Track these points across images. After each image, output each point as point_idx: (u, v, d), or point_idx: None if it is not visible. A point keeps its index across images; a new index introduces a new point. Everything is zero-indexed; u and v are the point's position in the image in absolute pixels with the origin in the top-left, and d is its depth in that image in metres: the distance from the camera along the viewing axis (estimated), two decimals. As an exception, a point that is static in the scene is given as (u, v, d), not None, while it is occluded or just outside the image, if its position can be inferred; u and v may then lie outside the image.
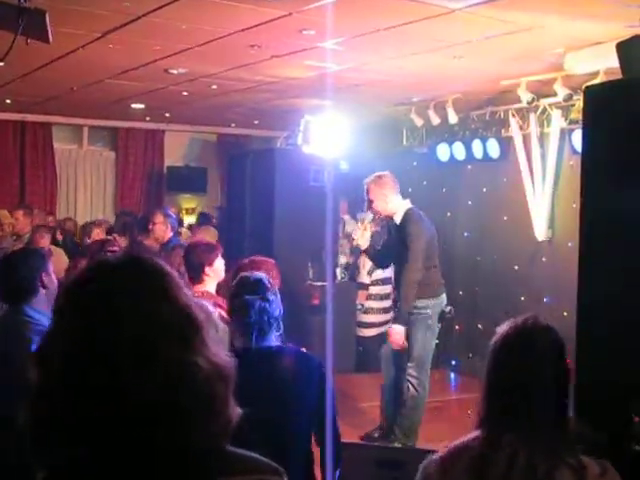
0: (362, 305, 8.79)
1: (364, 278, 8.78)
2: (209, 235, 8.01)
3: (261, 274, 3.23)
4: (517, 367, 2.02)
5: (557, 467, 1.92)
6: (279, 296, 3.14)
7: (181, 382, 1.15)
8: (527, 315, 2.13)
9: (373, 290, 8.77)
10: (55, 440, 1.16)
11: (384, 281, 8.85)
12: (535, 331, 2.08)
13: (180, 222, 10.25)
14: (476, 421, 2.06)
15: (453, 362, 8.59)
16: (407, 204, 5.70)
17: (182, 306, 1.22)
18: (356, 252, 9.10)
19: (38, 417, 1.17)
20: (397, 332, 5.49)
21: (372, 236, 5.96)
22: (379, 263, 6.39)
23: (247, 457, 1.26)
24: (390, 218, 5.75)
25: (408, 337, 5.58)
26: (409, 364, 5.60)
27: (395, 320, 5.62)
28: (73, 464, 1.16)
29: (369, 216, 5.90)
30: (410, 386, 5.58)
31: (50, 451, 1.17)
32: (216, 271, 4.49)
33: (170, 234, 6.91)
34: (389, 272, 8.86)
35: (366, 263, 8.67)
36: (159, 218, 6.92)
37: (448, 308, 5.71)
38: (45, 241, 7.17)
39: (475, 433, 2.04)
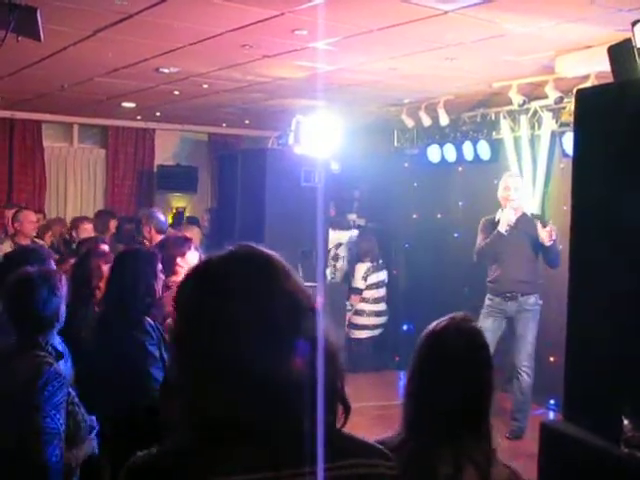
0: (352, 305, 8.82)
1: (359, 283, 8.86)
2: (193, 234, 7.97)
3: None
4: (433, 366, 2.03)
5: (463, 470, 1.92)
6: None
7: (327, 358, 1.25)
8: (452, 315, 2.12)
9: (367, 294, 8.83)
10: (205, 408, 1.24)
11: (378, 285, 8.90)
12: (460, 332, 2.07)
13: (180, 218, 10.26)
14: (403, 422, 2.06)
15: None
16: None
17: (300, 286, 1.34)
18: (352, 259, 9.15)
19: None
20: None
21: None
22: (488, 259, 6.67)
23: (359, 440, 1.35)
24: (517, 210, 6.45)
25: (517, 330, 6.27)
26: (523, 355, 6.20)
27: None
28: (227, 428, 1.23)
29: (513, 206, 6.44)
30: (525, 375, 6.18)
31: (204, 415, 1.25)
32: (188, 263, 4.57)
33: (159, 237, 6.85)
34: (383, 275, 8.91)
35: (360, 269, 8.75)
36: (143, 221, 7.00)
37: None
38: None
39: (396, 429, 2.05)
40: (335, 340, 1.33)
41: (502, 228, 6.39)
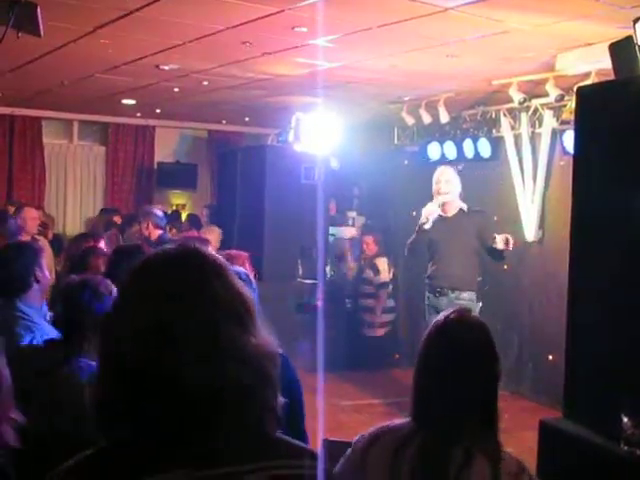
0: (376, 303, 8.64)
1: (385, 276, 8.66)
2: (213, 235, 7.96)
3: (238, 268, 3.23)
4: (440, 360, 2.07)
5: (474, 459, 1.96)
6: (256, 291, 3.14)
7: (243, 362, 1.22)
8: (456, 309, 2.18)
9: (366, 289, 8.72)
10: (119, 416, 1.23)
11: (388, 283, 8.78)
12: (466, 324, 2.12)
13: (175, 217, 10.23)
14: (412, 412, 2.10)
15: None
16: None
17: (236, 290, 1.30)
18: (359, 256, 9.07)
19: (104, 394, 1.25)
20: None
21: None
22: (427, 250, 6.41)
23: (292, 442, 1.34)
24: (449, 205, 6.14)
25: None
26: None
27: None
28: (135, 438, 1.22)
29: (439, 201, 6.14)
30: None
31: (113, 426, 1.24)
32: None
33: (158, 232, 6.88)
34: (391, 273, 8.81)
35: (382, 262, 8.58)
36: (141, 218, 6.99)
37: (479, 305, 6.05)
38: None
39: (407, 418, 2.10)
40: (271, 350, 1.29)
41: (425, 223, 6.11)
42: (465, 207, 6.19)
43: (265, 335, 1.30)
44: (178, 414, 1.19)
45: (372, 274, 8.65)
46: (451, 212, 6.16)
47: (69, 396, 2.59)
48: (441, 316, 2.15)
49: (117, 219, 9.26)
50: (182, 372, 1.18)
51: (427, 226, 6.07)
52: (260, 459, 1.25)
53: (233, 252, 4.55)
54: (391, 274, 8.70)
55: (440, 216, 6.12)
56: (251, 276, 3.23)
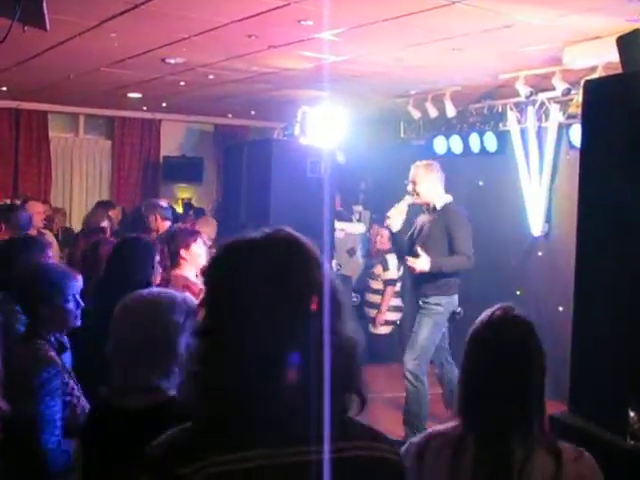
0: (382, 299, 8.58)
1: (394, 274, 8.51)
2: (208, 226, 7.96)
3: None
4: (489, 358, 2.07)
5: (534, 452, 1.97)
6: None
7: (344, 350, 1.32)
8: (500, 306, 2.17)
9: (379, 285, 8.61)
10: (217, 397, 1.31)
11: (397, 279, 8.70)
12: (510, 321, 2.12)
13: (187, 210, 10.25)
14: (456, 409, 2.11)
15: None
16: (449, 197, 5.79)
17: (332, 279, 1.39)
18: (368, 252, 9.00)
19: (212, 376, 1.31)
20: (423, 264, 5.49)
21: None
22: (405, 251, 6.07)
23: (366, 425, 1.42)
24: (427, 205, 5.78)
25: (414, 330, 5.65)
26: (408, 358, 5.60)
27: (434, 266, 5.53)
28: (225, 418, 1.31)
29: (408, 200, 5.83)
30: (407, 382, 5.60)
31: (209, 405, 1.33)
32: (193, 255, 4.54)
33: (167, 224, 6.88)
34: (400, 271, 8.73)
35: (392, 259, 8.48)
36: (147, 212, 6.97)
37: (459, 309, 5.71)
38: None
39: (455, 422, 2.09)
40: (354, 334, 1.38)
41: (394, 226, 5.88)
42: (439, 205, 5.74)
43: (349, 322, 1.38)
44: (273, 396, 1.26)
45: (381, 269, 8.59)
46: (426, 211, 5.87)
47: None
48: (485, 314, 2.15)
49: (113, 213, 9.23)
50: (283, 356, 1.26)
51: (394, 228, 5.88)
52: (340, 439, 1.32)
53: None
54: (400, 271, 8.63)
55: (421, 214, 5.92)
56: None
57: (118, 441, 2.05)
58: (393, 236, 6.17)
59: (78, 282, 3.11)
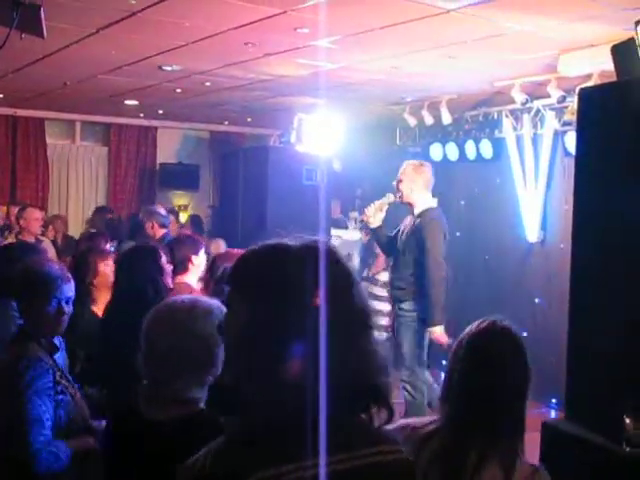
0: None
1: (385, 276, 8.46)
2: (218, 248, 7.95)
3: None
4: (470, 364, 2.11)
5: (489, 461, 2.00)
6: None
7: (372, 367, 1.35)
8: (488, 318, 2.20)
9: (383, 292, 8.53)
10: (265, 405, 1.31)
11: (383, 284, 8.67)
12: (494, 334, 2.15)
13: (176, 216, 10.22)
14: (440, 413, 2.14)
15: (443, 362, 8.59)
16: (433, 202, 5.65)
17: (364, 297, 1.43)
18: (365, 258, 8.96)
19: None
20: (442, 333, 5.46)
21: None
22: (386, 248, 6.07)
23: (379, 430, 1.43)
24: (410, 206, 5.65)
25: (397, 341, 5.60)
26: (402, 371, 5.55)
27: (432, 323, 5.45)
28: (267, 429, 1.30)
29: (389, 198, 5.70)
30: (405, 393, 5.55)
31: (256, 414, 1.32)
32: (200, 262, 4.57)
33: (163, 231, 6.90)
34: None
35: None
36: (144, 219, 7.00)
37: None
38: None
39: (435, 422, 2.13)
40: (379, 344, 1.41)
41: (373, 223, 5.76)
42: (418, 210, 5.60)
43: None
44: (314, 408, 1.26)
45: (386, 276, 8.48)
46: (409, 213, 5.76)
47: None
48: (475, 323, 2.18)
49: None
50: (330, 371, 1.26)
51: (373, 225, 5.73)
52: (369, 446, 1.36)
53: (233, 251, 4.59)
54: None
55: (409, 215, 5.78)
56: None
57: (145, 453, 2.01)
58: (372, 233, 6.02)
59: (71, 285, 3.07)
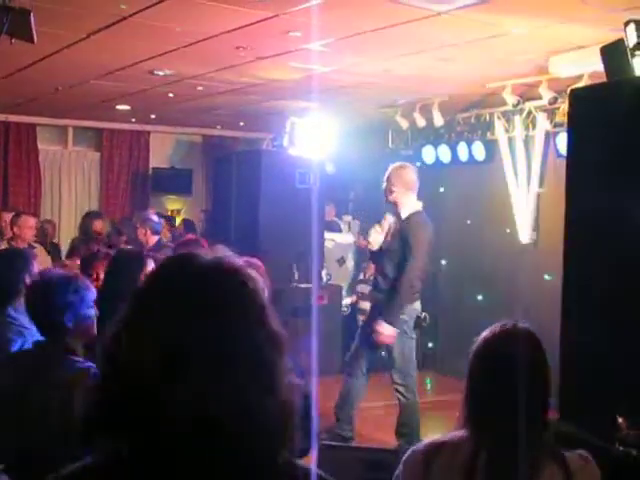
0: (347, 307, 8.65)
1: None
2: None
3: None
4: (498, 372, 2.07)
5: (542, 463, 1.98)
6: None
7: (249, 409, 1.11)
8: (508, 320, 2.19)
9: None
10: (108, 430, 1.14)
11: None
12: (515, 336, 2.12)
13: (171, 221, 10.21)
14: (460, 420, 2.11)
15: (438, 364, 8.61)
16: (418, 205, 5.68)
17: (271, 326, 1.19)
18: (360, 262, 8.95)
19: (99, 403, 1.14)
20: (390, 334, 5.44)
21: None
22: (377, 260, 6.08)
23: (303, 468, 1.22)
24: (395, 206, 5.68)
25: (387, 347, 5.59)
26: (394, 374, 5.58)
27: (386, 319, 5.46)
28: (117, 458, 1.13)
29: (388, 220, 5.73)
30: (399, 395, 5.58)
31: (101, 440, 1.15)
32: None
33: (155, 238, 6.89)
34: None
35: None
36: (137, 225, 6.98)
37: (423, 314, 5.67)
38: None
39: (460, 432, 2.09)
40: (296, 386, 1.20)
41: (374, 246, 5.88)
42: (404, 214, 5.62)
43: (289, 384, 1.18)
44: (171, 440, 1.09)
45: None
46: (394, 215, 5.77)
47: (59, 397, 2.58)
48: (491, 328, 2.16)
49: (98, 223, 9.18)
50: (193, 403, 1.08)
51: (374, 248, 5.84)
52: None
53: (252, 260, 4.56)
54: None
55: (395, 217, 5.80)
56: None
57: None
58: (372, 254, 6.09)
59: (93, 292, 2.99)
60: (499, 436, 2.01)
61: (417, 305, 5.67)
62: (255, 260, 4.60)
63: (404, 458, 2.13)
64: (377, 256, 5.94)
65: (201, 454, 1.09)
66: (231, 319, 1.14)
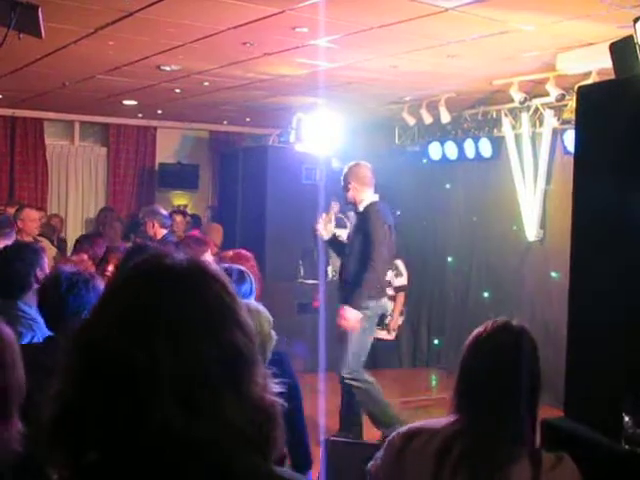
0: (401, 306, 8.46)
1: (405, 280, 8.35)
2: (215, 232, 7.96)
3: (232, 266, 3.25)
4: (486, 365, 2.14)
5: (515, 458, 2.02)
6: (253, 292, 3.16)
7: (225, 423, 1.07)
8: (500, 318, 2.25)
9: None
10: (74, 441, 1.08)
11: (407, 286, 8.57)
12: (505, 332, 2.19)
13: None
14: (449, 408, 2.18)
15: (444, 361, 8.60)
16: (375, 197, 5.82)
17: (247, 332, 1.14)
18: None
19: (65, 410, 1.09)
20: (355, 317, 5.45)
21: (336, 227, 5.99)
22: (340, 253, 6.19)
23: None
24: (354, 205, 5.87)
25: (345, 339, 5.57)
26: (342, 369, 5.53)
27: (352, 304, 5.48)
28: (85, 470, 1.08)
29: (334, 208, 5.99)
30: (353, 389, 5.56)
31: (66, 451, 1.09)
32: None
33: (163, 231, 6.90)
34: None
35: (401, 265, 8.36)
36: (145, 218, 6.96)
37: (389, 312, 5.68)
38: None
39: (443, 419, 2.16)
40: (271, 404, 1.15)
41: (324, 236, 6.01)
42: (361, 207, 5.81)
43: (266, 395, 1.14)
44: (146, 453, 1.05)
45: (393, 275, 8.44)
46: (354, 212, 6.00)
47: None
48: (480, 328, 2.22)
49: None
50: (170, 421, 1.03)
51: (325, 237, 5.93)
52: None
53: (242, 252, 4.57)
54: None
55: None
56: (248, 273, 3.24)
57: None
58: (327, 244, 6.16)
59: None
60: (480, 420, 2.07)
61: (382, 302, 5.73)
62: (245, 252, 4.60)
63: (387, 438, 2.22)
64: (339, 250, 6.06)
65: (174, 468, 1.05)
66: (191, 334, 1.08)
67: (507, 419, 2.05)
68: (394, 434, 2.18)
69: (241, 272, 3.17)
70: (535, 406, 2.13)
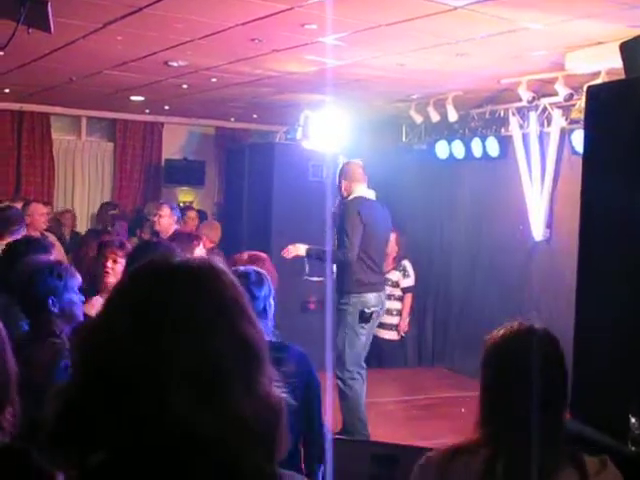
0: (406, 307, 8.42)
1: (412, 280, 8.34)
2: (211, 230, 7.95)
3: (249, 268, 3.25)
4: (513, 371, 2.03)
5: (560, 466, 1.96)
6: (270, 291, 3.16)
7: (234, 420, 1.06)
8: (523, 319, 2.16)
9: (393, 291, 8.39)
10: (80, 440, 1.07)
11: (394, 283, 8.52)
12: (531, 335, 2.09)
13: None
14: (476, 422, 2.07)
15: (448, 360, 8.60)
16: (365, 192, 6.04)
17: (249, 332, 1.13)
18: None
19: (68, 409, 1.08)
20: (294, 252, 5.95)
21: None
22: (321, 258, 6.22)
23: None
24: (346, 199, 6.08)
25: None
26: (338, 362, 5.59)
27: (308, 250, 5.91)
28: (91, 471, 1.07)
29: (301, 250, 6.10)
30: (339, 389, 5.60)
31: (71, 450, 1.08)
32: None
33: (175, 226, 6.89)
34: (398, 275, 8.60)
35: (409, 265, 8.34)
36: (165, 211, 6.86)
37: (371, 309, 5.66)
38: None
39: (475, 436, 2.06)
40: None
41: (300, 253, 6.17)
42: (348, 199, 6.05)
43: (271, 393, 1.13)
44: (154, 452, 1.04)
45: (401, 276, 8.37)
46: None
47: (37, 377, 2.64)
48: (502, 328, 2.13)
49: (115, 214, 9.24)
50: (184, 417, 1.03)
51: (302, 254, 6.08)
52: None
53: (257, 254, 4.57)
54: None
55: None
56: (265, 275, 3.23)
57: None
58: (308, 259, 6.25)
59: (78, 278, 3.14)
60: (517, 440, 1.97)
61: (367, 297, 5.69)
62: (261, 254, 4.60)
63: (420, 462, 2.10)
64: (319, 255, 6.18)
65: (183, 466, 1.05)
66: (204, 333, 1.08)
67: (541, 431, 1.96)
68: (430, 455, 2.08)
69: (259, 274, 3.16)
70: (564, 412, 2.08)
